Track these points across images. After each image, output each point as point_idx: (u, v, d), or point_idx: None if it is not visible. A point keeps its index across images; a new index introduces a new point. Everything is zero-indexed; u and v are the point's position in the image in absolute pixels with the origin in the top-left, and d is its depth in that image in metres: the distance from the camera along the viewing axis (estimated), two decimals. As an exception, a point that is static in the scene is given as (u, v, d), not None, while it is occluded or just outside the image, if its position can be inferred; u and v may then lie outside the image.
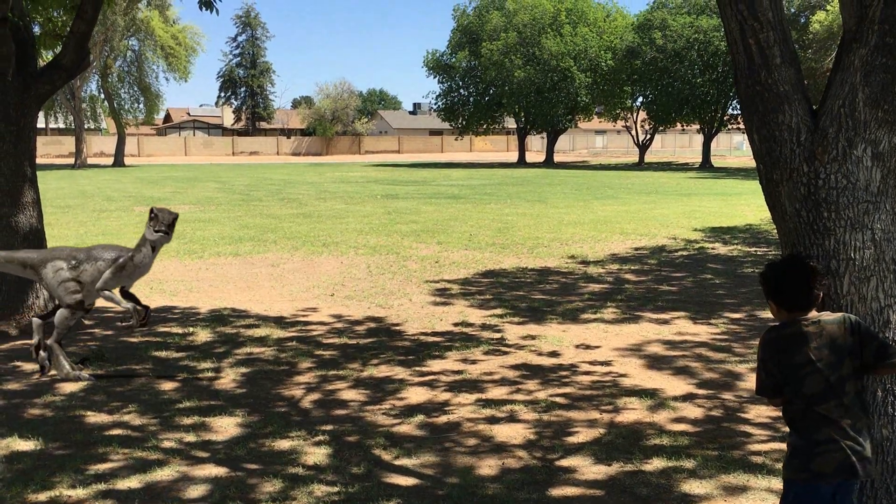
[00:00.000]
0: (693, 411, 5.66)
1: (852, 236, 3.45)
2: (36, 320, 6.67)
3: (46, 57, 14.28)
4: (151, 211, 6.49)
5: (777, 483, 4.37)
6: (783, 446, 3.21)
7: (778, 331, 3.11)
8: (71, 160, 55.66)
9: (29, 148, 8.31)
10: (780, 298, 3.12)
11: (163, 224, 6.48)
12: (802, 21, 45.03)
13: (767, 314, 8.63)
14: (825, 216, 3.46)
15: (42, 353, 6.56)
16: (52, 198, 24.53)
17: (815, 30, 42.59)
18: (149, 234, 6.47)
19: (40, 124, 60.42)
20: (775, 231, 17.08)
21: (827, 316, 3.10)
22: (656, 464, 4.73)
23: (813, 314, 3.09)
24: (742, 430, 5.29)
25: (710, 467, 4.67)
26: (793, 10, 46.00)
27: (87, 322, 8.53)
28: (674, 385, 6.27)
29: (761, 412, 5.59)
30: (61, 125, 60.56)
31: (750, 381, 6.29)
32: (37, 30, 9.24)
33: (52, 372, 6.58)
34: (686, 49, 49.13)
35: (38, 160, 10.16)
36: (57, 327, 6.45)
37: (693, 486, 4.43)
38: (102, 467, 4.74)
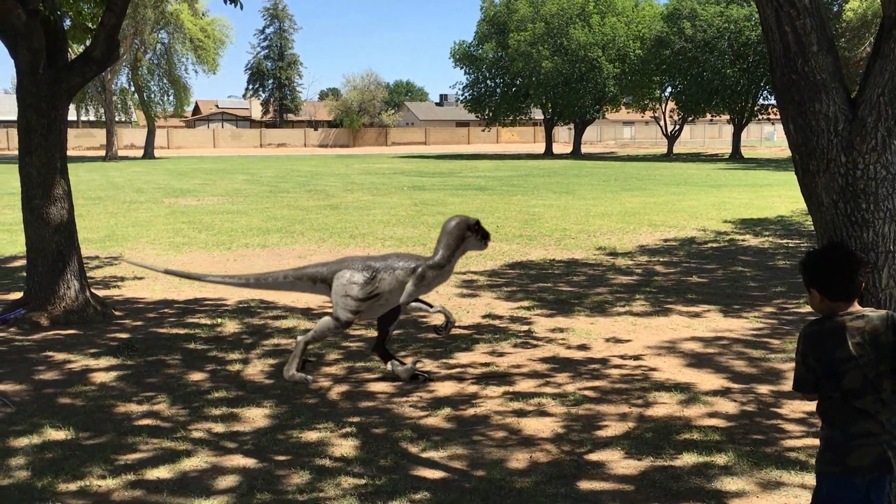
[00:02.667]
0: (725, 406, 5.58)
1: (891, 228, 3.37)
2: (379, 351, 6.34)
3: (77, 50, 14.43)
4: (478, 223, 6.11)
5: (811, 479, 4.29)
6: (818, 442, 3.14)
7: (820, 324, 3.04)
8: (102, 152, 56.26)
9: (60, 140, 8.38)
10: (822, 286, 3.04)
11: (486, 235, 6.09)
12: (836, 9, 44.26)
13: (801, 307, 8.50)
14: (863, 207, 3.38)
15: (409, 366, 6.25)
16: (83, 189, 24.81)
17: (849, 18, 41.86)
18: (474, 244, 6.06)
19: (72, 117, 61.12)
20: (808, 223, 16.81)
21: (872, 312, 3.03)
22: (687, 459, 4.67)
23: (856, 308, 3.02)
24: (776, 425, 5.21)
25: (742, 463, 4.59)
26: (826, -2, 45.31)
27: (117, 313, 8.60)
28: (705, 379, 6.19)
29: (795, 407, 5.50)
30: (92, 118, 61.14)
31: (784, 376, 6.19)
32: (67, 23, 9.30)
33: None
34: (716, 39, 48.53)
35: (70, 152, 10.27)
36: (315, 332, 6.10)
37: (725, 482, 4.36)
38: (132, 457, 4.77)
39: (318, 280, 6.12)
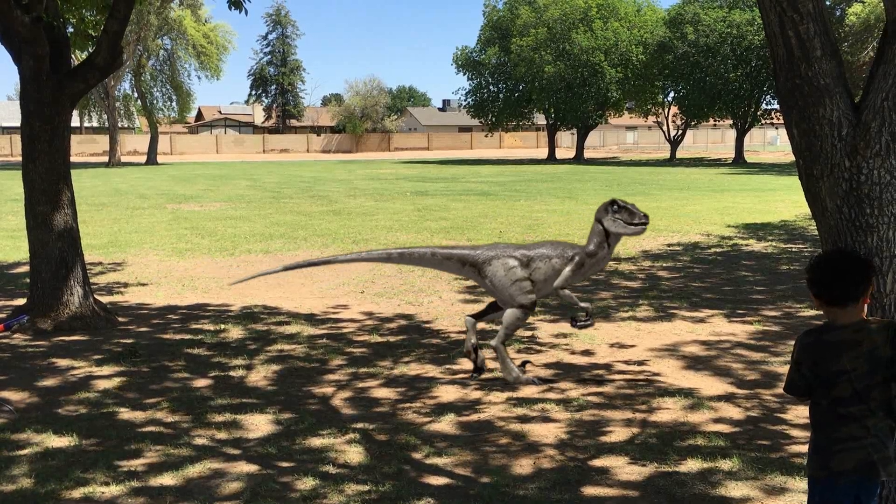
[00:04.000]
0: (730, 411, 5.57)
1: (896, 233, 3.35)
2: (469, 319, 6.27)
3: (80, 56, 14.46)
4: (615, 203, 5.96)
5: (816, 485, 4.28)
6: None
7: (818, 335, 3.03)
8: (105, 158, 56.35)
9: (63, 146, 8.40)
10: (820, 291, 3.04)
11: (637, 216, 5.92)
12: (838, 14, 44.28)
13: (805, 311, 8.48)
14: (867, 212, 3.37)
15: (480, 354, 6.22)
16: (86, 195, 24.85)
17: (852, 22, 41.86)
18: (615, 226, 5.91)
19: (75, 123, 61.29)
20: (812, 227, 16.76)
21: (873, 323, 3.01)
22: (692, 465, 4.66)
23: (858, 317, 3.00)
24: (781, 430, 5.19)
25: (748, 469, 4.58)
26: (829, 3, 45.25)
27: (121, 319, 8.61)
28: (710, 385, 6.18)
29: (800, 413, 5.48)
30: (95, 124, 61.27)
31: (787, 381, 6.17)
32: (70, 30, 9.32)
33: (498, 375, 6.22)
34: (719, 44, 48.54)
35: (73, 158, 10.28)
36: (506, 328, 6.03)
37: (730, 488, 4.35)
38: (135, 464, 4.77)
39: (468, 263, 6.08)
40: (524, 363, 6.32)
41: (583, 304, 6.07)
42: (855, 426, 2.93)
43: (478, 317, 6.36)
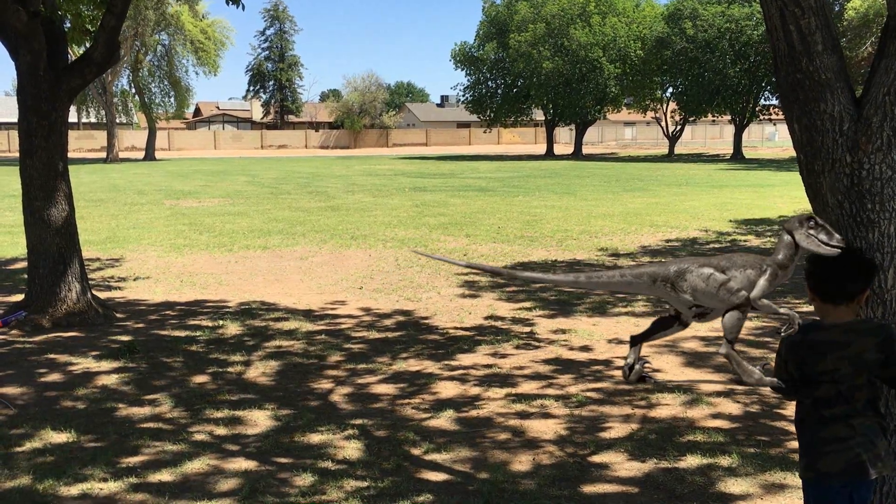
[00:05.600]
0: (729, 407, 5.56)
1: (898, 228, 3.34)
2: (634, 341, 6.14)
3: (77, 52, 14.41)
4: (813, 219, 5.89)
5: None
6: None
7: (804, 335, 2.99)
8: (103, 154, 56.25)
9: (61, 142, 8.37)
10: (814, 286, 3.01)
11: (835, 238, 5.79)
12: (837, 9, 44.23)
13: (804, 307, 8.47)
14: (869, 208, 3.36)
15: (637, 367, 6.09)
16: (84, 191, 24.80)
17: (850, 17, 41.80)
18: (808, 242, 5.47)
19: (73, 119, 61.11)
20: (810, 223, 16.53)
21: (861, 325, 2.97)
22: (692, 461, 4.65)
23: (849, 317, 2.95)
24: (780, 426, 5.19)
25: (747, 465, 4.58)
26: (827, -2, 45.18)
27: (118, 315, 8.59)
28: (708, 380, 6.16)
29: (798, 408, 5.47)
30: (93, 120, 61.09)
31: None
32: (67, 25, 9.28)
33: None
34: (717, 39, 48.49)
35: (71, 154, 10.25)
36: (729, 332, 5.87)
37: (730, 485, 4.34)
38: (134, 460, 4.75)
39: (660, 280, 5.95)
40: (765, 364, 6.17)
41: (782, 311, 5.96)
42: (840, 426, 2.88)
43: (643, 338, 6.16)
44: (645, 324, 7.98)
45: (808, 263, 3.07)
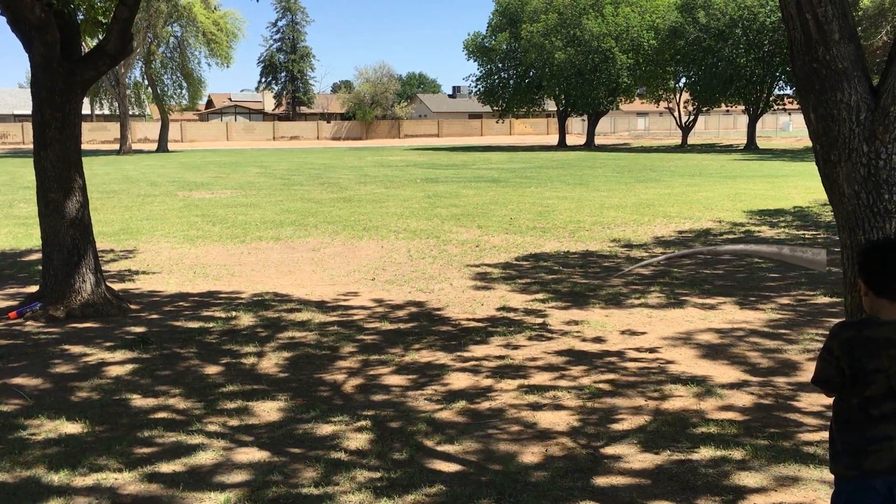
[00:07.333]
0: (742, 399, 5.53)
1: (915, 219, 3.30)
2: None
3: (91, 44, 14.44)
4: None
5: (830, 474, 4.24)
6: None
7: (858, 330, 2.87)
8: (116, 146, 56.47)
9: (74, 134, 8.39)
10: (867, 277, 2.90)
11: None
12: (852, -2, 43.83)
13: (818, 299, 8.41)
14: (886, 198, 3.33)
15: None
16: (97, 183, 24.92)
17: (866, 5, 41.41)
18: None
19: (86, 111, 61.37)
20: (825, 213, 16.60)
21: None
22: (705, 453, 4.63)
23: None
24: (793, 418, 5.16)
25: (760, 457, 4.55)
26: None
27: (132, 306, 8.63)
28: (722, 372, 6.14)
29: (813, 400, 5.44)
30: (106, 112, 61.25)
31: (802, 368, 6.13)
32: (80, 17, 9.30)
33: None
34: (730, 27, 48.16)
35: (84, 146, 10.28)
36: None
37: (743, 477, 4.32)
38: (147, 451, 4.77)
39: None
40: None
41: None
42: (889, 425, 2.82)
43: None
44: (659, 315, 7.96)
45: (862, 256, 2.94)
